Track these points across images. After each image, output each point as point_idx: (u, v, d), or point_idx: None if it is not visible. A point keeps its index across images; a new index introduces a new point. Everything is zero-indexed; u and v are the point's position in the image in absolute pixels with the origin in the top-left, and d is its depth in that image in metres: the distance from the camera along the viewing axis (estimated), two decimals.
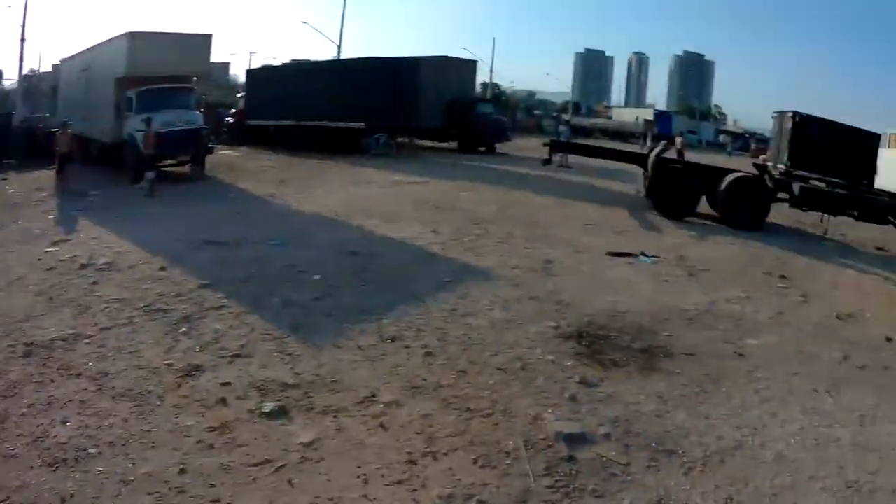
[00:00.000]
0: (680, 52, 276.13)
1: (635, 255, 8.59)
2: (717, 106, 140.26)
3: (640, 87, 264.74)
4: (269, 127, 23.09)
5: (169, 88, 15.43)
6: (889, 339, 6.78)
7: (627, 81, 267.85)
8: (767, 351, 5.75)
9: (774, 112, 18.65)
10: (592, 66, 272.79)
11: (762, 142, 60.89)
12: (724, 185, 12.50)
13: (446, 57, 25.02)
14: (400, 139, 20.92)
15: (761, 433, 4.24)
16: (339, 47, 40.10)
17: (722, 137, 69.06)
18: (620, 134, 54.57)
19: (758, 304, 7.24)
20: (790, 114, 16.85)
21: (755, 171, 13.76)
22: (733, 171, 13.17)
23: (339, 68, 23.51)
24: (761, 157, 24.13)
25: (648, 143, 28.45)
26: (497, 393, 4.37)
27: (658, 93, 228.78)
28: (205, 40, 16.63)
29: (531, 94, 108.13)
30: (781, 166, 16.49)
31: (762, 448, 4.05)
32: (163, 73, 15.12)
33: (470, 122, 23.14)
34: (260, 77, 27.44)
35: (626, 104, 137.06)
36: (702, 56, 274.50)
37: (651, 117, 60.59)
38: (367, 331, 5.21)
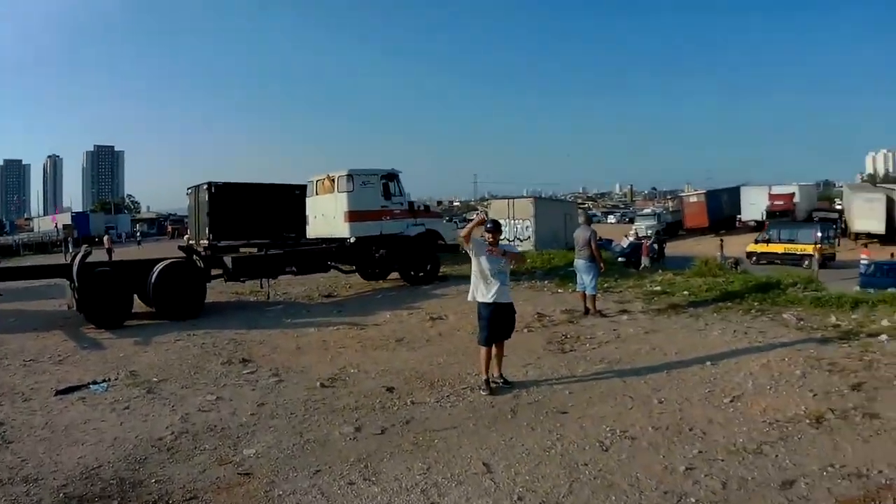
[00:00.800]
0: (91, 147, 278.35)
1: (86, 386, 7.38)
2: (130, 195, 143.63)
3: (58, 191, 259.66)
4: None
5: None
6: (390, 389, 6.45)
7: (44, 187, 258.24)
8: (271, 456, 4.88)
9: (189, 188, 18.27)
10: (11, 178, 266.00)
11: (177, 222, 63.83)
12: (153, 278, 11.64)
13: None
14: None
15: None
16: None
17: (138, 226, 72.17)
18: (45, 245, 50.03)
19: (232, 402, 6.34)
20: (205, 186, 16.83)
21: (183, 255, 13.03)
22: (161, 260, 12.33)
23: None
24: (185, 237, 23.02)
25: (71, 249, 26.37)
26: None
27: (75, 193, 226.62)
28: None
29: None
30: (205, 241, 16.32)
31: None
32: None
33: None
34: None
35: (46, 212, 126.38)
36: (112, 147, 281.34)
37: (70, 221, 55.98)
38: None
